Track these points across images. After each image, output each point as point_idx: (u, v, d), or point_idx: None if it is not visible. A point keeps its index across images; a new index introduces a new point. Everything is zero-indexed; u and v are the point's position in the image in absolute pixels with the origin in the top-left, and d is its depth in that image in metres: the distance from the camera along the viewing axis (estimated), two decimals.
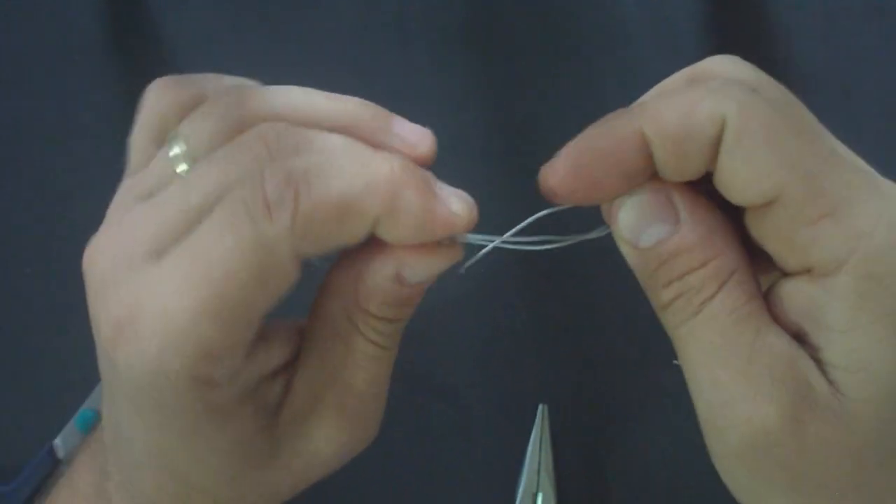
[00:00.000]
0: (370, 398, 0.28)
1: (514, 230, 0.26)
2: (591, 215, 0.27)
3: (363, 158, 0.24)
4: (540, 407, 0.43)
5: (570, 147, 0.24)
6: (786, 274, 0.24)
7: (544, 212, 0.26)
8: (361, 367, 0.27)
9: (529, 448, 0.42)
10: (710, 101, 0.22)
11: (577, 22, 0.50)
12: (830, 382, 0.23)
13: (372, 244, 0.26)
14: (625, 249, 0.25)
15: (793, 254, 0.23)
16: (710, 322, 0.24)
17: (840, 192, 0.22)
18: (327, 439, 0.28)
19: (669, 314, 0.24)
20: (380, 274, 0.26)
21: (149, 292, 0.23)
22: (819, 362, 0.23)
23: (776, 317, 0.24)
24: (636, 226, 0.25)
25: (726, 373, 0.23)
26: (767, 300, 0.24)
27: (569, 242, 0.27)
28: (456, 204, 0.25)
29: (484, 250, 0.27)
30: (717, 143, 0.22)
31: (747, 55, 0.27)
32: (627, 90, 0.47)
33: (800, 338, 0.24)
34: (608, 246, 0.47)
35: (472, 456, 0.44)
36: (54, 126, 0.50)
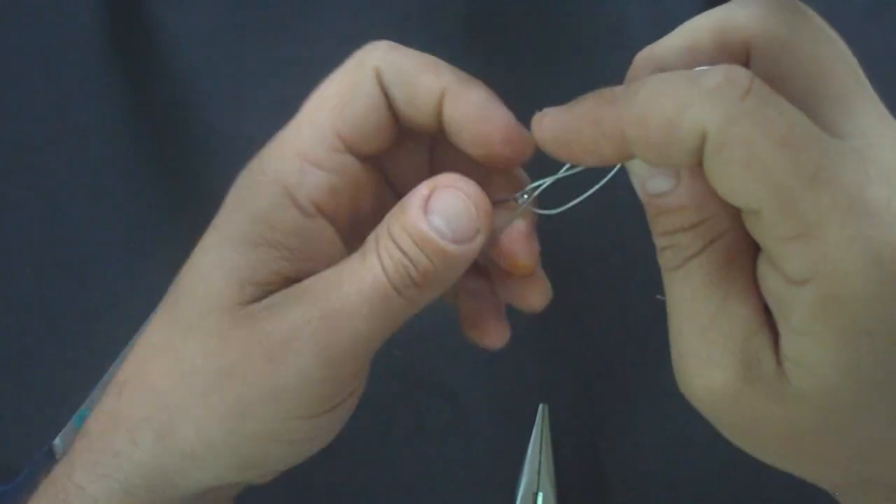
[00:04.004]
0: (353, 324, 0.27)
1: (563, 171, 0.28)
2: None
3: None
4: (540, 407, 0.43)
5: (557, 117, 0.26)
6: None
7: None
8: (358, 282, 0.27)
9: (529, 448, 0.42)
10: (693, 110, 0.22)
11: (577, 22, 0.50)
12: (779, 363, 0.24)
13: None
14: (636, 188, 0.26)
15: (770, 254, 0.24)
16: (687, 278, 0.25)
17: (814, 214, 0.22)
18: (296, 318, 0.26)
19: (661, 260, 0.26)
20: (411, 197, 0.27)
21: None
22: (776, 343, 0.24)
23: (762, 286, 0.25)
24: (644, 172, 0.26)
25: (689, 328, 0.25)
26: (760, 268, 0.25)
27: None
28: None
29: (543, 183, 0.29)
30: (701, 150, 0.23)
31: None
32: None
33: (766, 309, 0.25)
34: (608, 246, 0.47)
35: (473, 456, 0.44)
36: (54, 126, 0.50)
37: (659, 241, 0.26)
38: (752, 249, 0.25)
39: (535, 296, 0.31)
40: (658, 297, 0.27)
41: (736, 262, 0.25)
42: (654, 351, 0.46)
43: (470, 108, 0.28)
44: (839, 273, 0.22)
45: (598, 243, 0.47)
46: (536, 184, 0.29)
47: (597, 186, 0.28)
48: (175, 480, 0.28)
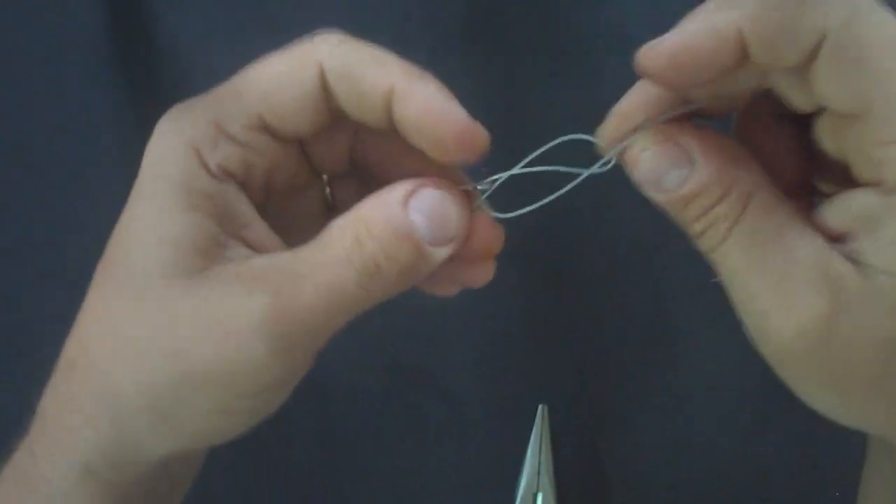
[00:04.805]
0: (309, 317, 0.26)
1: (527, 160, 0.28)
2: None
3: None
4: (540, 407, 0.43)
5: (670, 39, 0.26)
6: (843, 182, 0.26)
7: (564, 138, 0.28)
8: (318, 275, 0.26)
9: (529, 448, 0.43)
10: (814, 13, 0.23)
11: (577, 22, 0.50)
12: (866, 279, 0.24)
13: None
14: (651, 197, 0.27)
15: (866, 166, 0.24)
16: (739, 244, 0.25)
17: None
18: (250, 308, 0.26)
19: (703, 242, 0.26)
20: (393, 191, 0.27)
21: None
22: (857, 262, 0.25)
23: (816, 219, 0.26)
24: (656, 174, 0.26)
25: (763, 286, 0.25)
26: (812, 203, 0.26)
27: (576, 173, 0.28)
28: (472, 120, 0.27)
29: (501, 177, 0.28)
30: (815, 50, 0.24)
31: None
32: (627, 91, 0.47)
33: (838, 238, 0.25)
34: (607, 246, 0.47)
35: (472, 456, 0.44)
36: (54, 126, 0.50)
37: (695, 228, 0.26)
38: (785, 197, 0.26)
39: (483, 273, 0.30)
40: (713, 280, 0.27)
41: (779, 209, 0.25)
42: (654, 351, 0.46)
43: (420, 108, 0.27)
44: None
45: (598, 242, 0.47)
46: (496, 177, 0.29)
47: (559, 192, 0.28)
48: (133, 455, 0.28)
